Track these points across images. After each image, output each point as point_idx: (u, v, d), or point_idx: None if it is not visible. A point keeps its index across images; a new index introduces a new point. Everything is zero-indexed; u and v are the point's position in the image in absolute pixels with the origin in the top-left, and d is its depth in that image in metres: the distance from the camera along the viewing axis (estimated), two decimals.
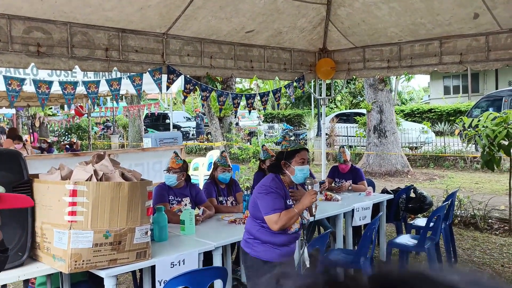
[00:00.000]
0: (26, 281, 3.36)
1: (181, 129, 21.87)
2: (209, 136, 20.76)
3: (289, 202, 2.85)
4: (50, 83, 4.11)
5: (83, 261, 2.60)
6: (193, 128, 23.01)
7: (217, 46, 5.35)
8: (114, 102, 12.57)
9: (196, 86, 5.16)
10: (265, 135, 18.69)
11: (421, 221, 5.09)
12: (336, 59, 6.41)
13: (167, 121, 24.09)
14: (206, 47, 5.23)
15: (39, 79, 4.13)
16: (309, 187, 2.85)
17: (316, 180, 2.89)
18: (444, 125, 19.72)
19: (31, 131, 14.74)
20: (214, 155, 8.53)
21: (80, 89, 7.75)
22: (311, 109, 26.37)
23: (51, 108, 14.70)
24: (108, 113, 12.94)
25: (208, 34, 5.15)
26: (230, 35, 5.30)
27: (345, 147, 5.39)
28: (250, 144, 14.12)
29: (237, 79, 16.60)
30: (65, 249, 2.56)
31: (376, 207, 4.77)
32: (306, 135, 17.12)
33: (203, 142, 19.18)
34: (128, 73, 4.74)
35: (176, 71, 4.94)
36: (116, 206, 2.69)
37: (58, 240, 2.61)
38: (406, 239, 4.35)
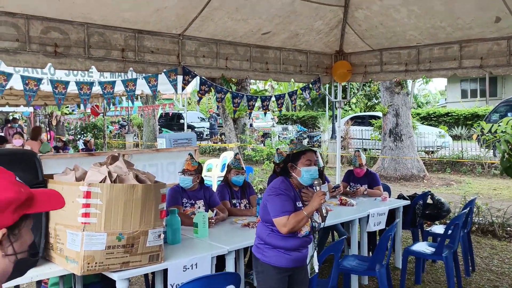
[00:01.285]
0: (39, 281, 3.37)
1: (195, 129, 21.95)
2: (222, 136, 20.78)
3: (299, 204, 2.79)
4: (66, 83, 4.13)
5: (95, 263, 2.59)
6: (207, 128, 23.07)
7: (232, 48, 5.32)
8: (130, 102, 12.67)
9: (211, 87, 5.14)
10: (279, 136, 18.63)
11: (438, 228, 4.98)
12: (353, 62, 6.34)
13: (181, 121, 24.22)
14: (221, 48, 5.21)
15: (56, 79, 4.16)
16: (317, 188, 2.79)
17: (320, 182, 2.82)
18: (461, 129, 19.42)
19: (48, 129, 14.93)
20: (228, 156, 8.51)
21: (96, 89, 7.84)
22: (325, 111, 26.26)
23: (68, 106, 14.86)
24: (124, 112, 13.05)
25: (224, 36, 5.13)
26: (246, 36, 5.27)
27: (360, 151, 5.31)
28: (264, 145, 14.09)
29: (252, 80, 16.58)
30: (78, 251, 2.55)
31: (391, 213, 4.69)
32: (320, 137, 17.02)
33: (216, 142, 19.20)
34: (144, 74, 4.74)
35: (192, 72, 4.93)
36: (130, 209, 2.68)
37: (71, 241, 2.60)
38: (423, 247, 4.26)
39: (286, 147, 12.77)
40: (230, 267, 3.29)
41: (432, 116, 23.29)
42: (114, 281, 2.76)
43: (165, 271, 3.68)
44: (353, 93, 27.75)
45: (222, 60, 5.25)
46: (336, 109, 6.80)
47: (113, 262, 2.65)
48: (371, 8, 5.16)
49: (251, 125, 18.56)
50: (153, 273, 3.67)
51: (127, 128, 23.93)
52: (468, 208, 4.42)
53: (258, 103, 6.12)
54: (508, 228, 6.12)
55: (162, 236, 2.87)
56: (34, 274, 2.60)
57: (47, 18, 3.93)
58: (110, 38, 4.38)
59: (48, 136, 13.86)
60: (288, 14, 5.07)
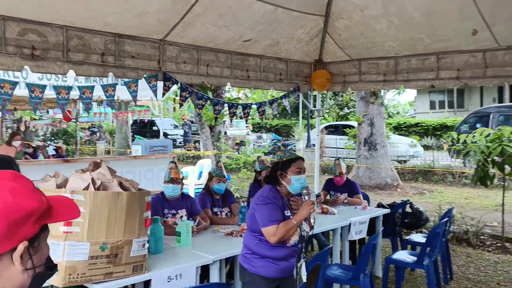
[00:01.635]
0: None
1: (168, 136, 21.66)
2: (196, 144, 20.60)
3: (287, 213, 2.76)
4: (43, 87, 3.98)
5: (77, 274, 2.47)
6: (181, 136, 22.83)
7: (213, 54, 5.28)
8: (102, 108, 12.37)
9: (192, 94, 5.07)
10: (253, 145, 18.62)
11: (416, 237, 5.05)
12: (332, 71, 6.40)
13: (155, 128, 23.87)
14: (202, 54, 5.16)
15: (32, 82, 3.99)
16: (306, 197, 2.78)
17: (311, 191, 2.81)
18: (431, 139, 19.95)
19: None
20: (205, 164, 8.42)
21: (72, 93, 7.63)
22: (299, 120, 26.48)
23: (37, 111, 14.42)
24: (96, 118, 12.72)
25: (206, 42, 5.08)
26: (228, 43, 5.24)
27: (340, 159, 5.34)
28: (239, 153, 14.02)
29: (226, 88, 16.54)
30: (60, 262, 2.43)
31: (370, 221, 4.72)
32: (295, 146, 17.10)
33: (190, 150, 19.01)
34: (124, 79, 4.63)
35: (172, 78, 4.85)
36: (114, 217, 2.58)
37: (53, 251, 2.47)
38: (404, 255, 4.30)
39: (263, 155, 12.77)
40: (214, 277, 3.22)
41: (402, 126, 23.81)
42: None
43: (145, 283, 3.58)
44: (327, 103, 28.10)
45: (203, 67, 5.19)
46: (315, 117, 6.83)
47: (95, 273, 2.54)
48: (352, 18, 5.23)
49: (225, 133, 18.48)
50: (133, 285, 3.56)
51: (98, 135, 23.41)
52: (447, 218, 4.50)
53: (239, 111, 6.06)
54: (482, 237, 6.27)
55: (147, 245, 2.78)
56: None
57: (25, 20, 3.78)
58: (90, 41, 4.26)
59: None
60: (270, 22, 5.07)
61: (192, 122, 23.25)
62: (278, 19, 5.06)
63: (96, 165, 2.85)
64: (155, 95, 4.81)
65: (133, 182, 2.94)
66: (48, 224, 0.90)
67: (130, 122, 19.01)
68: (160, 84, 4.83)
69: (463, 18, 4.59)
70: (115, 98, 7.79)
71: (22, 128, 15.06)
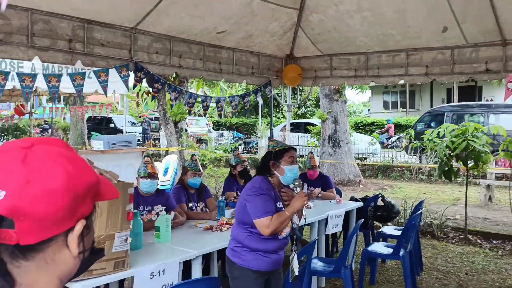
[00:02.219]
0: None
1: (126, 134, 20.99)
2: (156, 142, 20.12)
3: (279, 205, 2.69)
4: (6, 74, 3.69)
5: None
6: (139, 133, 22.22)
7: (186, 45, 5.13)
8: (57, 103, 11.76)
9: (164, 86, 4.88)
10: (215, 142, 18.44)
11: (388, 230, 5.13)
12: (303, 66, 6.39)
13: (111, 125, 23.09)
14: (175, 45, 5.00)
15: None
16: (298, 189, 2.73)
17: (301, 183, 2.76)
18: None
19: None
20: (171, 160, 8.20)
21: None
22: (258, 118, 26.53)
23: None
24: (52, 114, 12.07)
25: (179, 32, 4.92)
26: (201, 34, 5.10)
27: (313, 152, 5.33)
28: (202, 150, 13.82)
29: (189, 83, 16.18)
30: None
31: (345, 215, 4.74)
32: (256, 143, 17.09)
33: (149, 147, 18.53)
34: (93, 68, 4.39)
35: (144, 68, 4.66)
36: (95, 210, 2.40)
37: None
38: (379, 247, 4.34)
39: (227, 153, 12.64)
40: (197, 273, 3.09)
41: (359, 125, 24.38)
42: None
43: (120, 282, 3.39)
44: (285, 100, 28.31)
45: (175, 58, 5.03)
46: (278, 115, 6.80)
47: None
48: (326, 12, 5.23)
49: (186, 130, 18.17)
50: (106, 285, 3.36)
51: (50, 132, 22.37)
52: (421, 209, 4.59)
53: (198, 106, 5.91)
54: (445, 229, 6.47)
55: (129, 240, 2.61)
56: None
57: None
58: (56, 27, 4.00)
59: None
60: (245, 13, 4.99)
61: (151, 119, 22.73)
62: (254, 11, 4.98)
63: None
64: (126, 86, 4.61)
65: (113, 173, 2.76)
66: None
67: (86, 118, 18.28)
68: (132, 76, 4.63)
69: (435, 15, 4.70)
70: (72, 91, 7.45)
71: None
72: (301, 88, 7.76)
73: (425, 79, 5.44)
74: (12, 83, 7.06)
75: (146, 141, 19.79)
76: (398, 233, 4.87)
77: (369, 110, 35.29)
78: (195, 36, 5.10)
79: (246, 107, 6.05)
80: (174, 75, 6.30)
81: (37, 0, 3.79)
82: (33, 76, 3.89)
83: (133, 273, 2.65)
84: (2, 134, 15.51)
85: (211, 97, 5.63)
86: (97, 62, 4.34)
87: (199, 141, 18.03)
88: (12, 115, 10.40)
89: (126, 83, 4.52)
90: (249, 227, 2.64)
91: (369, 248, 4.27)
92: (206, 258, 3.99)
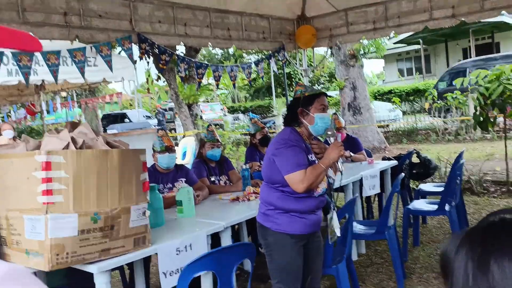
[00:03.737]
0: None
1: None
2: (172, 132, 19.91)
3: (311, 157, 2.35)
4: (1, 54, 3.40)
5: (67, 253, 1.99)
6: (154, 126, 22.06)
7: (191, 12, 4.76)
8: (67, 109, 11.44)
9: (172, 57, 4.54)
10: (231, 125, 18.13)
11: (426, 187, 4.75)
12: (317, 26, 5.97)
13: (126, 120, 22.97)
14: (178, 12, 4.64)
15: None
16: (331, 139, 2.38)
17: (334, 132, 2.41)
18: (405, 104, 19.94)
19: None
20: (188, 143, 7.93)
21: (32, 79, 6.92)
22: (272, 99, 26.10)
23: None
24: (63, 112, 11.90)
25: None
26: None
27: (337, 113, 4.95)
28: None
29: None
30: (42, 240, 1.95)
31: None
32: (274, 123, 16.72)
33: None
34: (93, 44, 4.07)
35: (148, 39, 4.32)
36: (105, 181, 2.10)
37: (31, 229, 1.99)
38: (422, 205, 3.98)
39: (243, 136, 12.29)
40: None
41: (376, 94, 23.76)
42: (87, 280, 2.18)
43: (145, 260, 3.12)
44: (298, 79, 27.75)
45: (180, 26, 4.68)
46: (303, 76, 6.41)
47: (89, 251, 2.07)
48: None
49: (201, 117, 17.89)
50: (129, 264, 3.10)
51: None
52: (462, 161, 4.20)
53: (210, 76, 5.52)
54: (485, 184, 6.05)
55: (148, 213, 2.31)
56: None
57: None
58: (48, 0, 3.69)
59: None
60: None
61: (165, 110, 22.50)
62: None
63: (74, 125, 2.35)
64: (131, 59, 4.28)
65: (122, 142, 2.46)
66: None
67: (100, 116, 18.15)
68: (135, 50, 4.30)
69: None
70: (82, 81, 7.18)
71: None
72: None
73: (452, 21, 4.96)
74: (17, 77, 6.88)
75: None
76: (438, 189, 4.50)
77: (383, 80, 34.52)
78: (199, 1, 4.74)
79: (260, 75, 5.67)
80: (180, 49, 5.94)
81: None
82: (30, 55, 3.58)
83: (156, 250, 2.35)
84: (18, 137, 15.47)
85: (223, 66, 5.26)
86: (97, 36, 4.02)
87: (215, 126, 17.74)
88: (25, 116, 10.22)
89: (130, 56, 4.19)
90: (280, 186, 2.31)
91: (411, 207, 3.91)
92: (235, 235, 3.70)
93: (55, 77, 3.71)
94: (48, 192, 1.97)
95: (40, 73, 6.51)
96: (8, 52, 3.62)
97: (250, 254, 2.02)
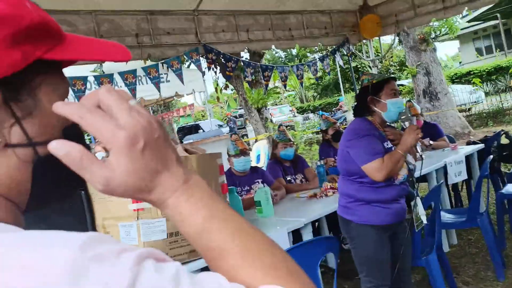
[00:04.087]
0: None
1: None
2: (244, 137, 20.30)
3: (387, 145, 2.28)
4: (85, 79, 3.70)
5: None
6: (227, 133, 22.68)
7: (251, 18, 4.85)
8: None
9: (237, 63, 4.65)
10: (301, 125, 18.08)
11: None
12: (381, 14, 5.78)
13: (200, 131, 23.84)
14: (240, 20, 4.75)
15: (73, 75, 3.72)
16: (406, 123, 2.28)
17: (409, 115, 2.29)
18: (487, 85, 18.56)
19: None
20: (261, 146, 8.04)
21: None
22: (341, 95, 25.63)
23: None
24: None
25: (241, 4, 4.66)
26: (264, 2, 4.79)
27: (412, 100, 4.74)
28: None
29: None
30: (137, 244, 2.09)
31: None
32: (345, 118, 16.39)
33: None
34: (164, 60, 4.29)
35: (214, 49, 4.47)
36: None
37: (126, 235, 2.14)
38: None
39: (314, 135, 12.18)
40: None
41: (453, 77, 22.41)
42: None
43: None
44: (367, 56, 26.96)
45: (243, 33, 4.79)
46: (371, 68, 6.24)
47: (179, 252, 2.17)
48: None
49: (271, 120, 18.06)
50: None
51: None
52: None
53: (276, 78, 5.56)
54: None
55: None
56: None
57: (49, 10, 3.52)
58: (121, 23, 3.96)
59: None
60: None
61: (235, 117, 23.02)
62: None
63: None
64: (200, 70, 4.46)
65: (199, 148, 2.56)
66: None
67: (176, 128, 19.02)
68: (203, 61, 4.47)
69: None
70: (156, 96, 7.58)
71: None
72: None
73: None
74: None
75: None
76: None
77: (460, 62, 32.48)
78: (259, 6, 4.81)
79: (327, 71, 5.61)
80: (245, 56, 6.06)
81: (98, 1, 3.77)
82: (110, 77, 3.86)
83: None
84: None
85: (288, 66, 5.28)
86: (167, 52, 4.25)
87: (286, 127, 17.80)
88: None
89: (199, 67, 4.37)
90: (357, 177, 2.26)
91: (504, 191, 3.63)
92: (316, 232, 3.68)
93: (134, 95, 3.96)
94: (137, 200, 2.10)
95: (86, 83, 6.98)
96: (91, 76, 3.94)
97: (334, 248, 2.00)
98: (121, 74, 3.91)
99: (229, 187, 2.82)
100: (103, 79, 3.84)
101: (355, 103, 2.45)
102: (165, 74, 7.45)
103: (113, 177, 0.43)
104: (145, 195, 0.46)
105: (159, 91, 4.13)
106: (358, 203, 2.28)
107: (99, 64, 6.77)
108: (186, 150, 2.42)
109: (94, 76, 3.90)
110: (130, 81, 3.96)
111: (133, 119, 0.43)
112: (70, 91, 3.70)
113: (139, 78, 6.21)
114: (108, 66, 6.25)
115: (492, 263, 3.08)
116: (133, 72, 3.96)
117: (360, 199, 2.27)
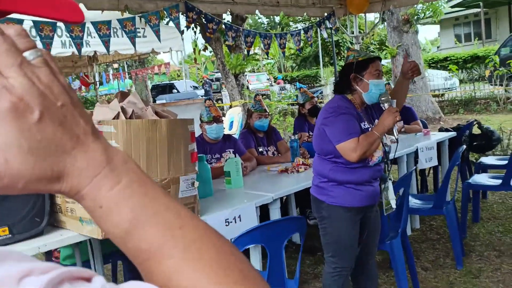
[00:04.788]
0: (48, 254, 2.82)
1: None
2: (219, 102, 20.05)
3: (364, 125, 2.22)
4: (54, 25, 3.44)
5: None
6: (202, 96, 22.30)
7: None
8: (119, 80, 11.69)
9: (219, 26, 4.45)
10: (278, 95, 17.97)
11: (488, 160, 4.46)
12: None
13: (174, 91, 23.36)
14: None
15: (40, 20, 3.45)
16: (386, 105, 2.22)
17: (389, 97, 2.23)
18: (462, 72, 18.83)
19: None
20: (235, 113, 7.91)
21: (85, 50, 7.08)
22: (319, 69, 25.51)
23: None
24: (115, 84, 12.26)
25: None
26: None
27: (390, 82, 4.70)
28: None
29: None
30: None
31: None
32: (321, 92, 16.37)
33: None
34: (142, 13, 4.05)
35: (195, 8, 4.24)
36: (154, 151, 2.08)
37: None
38: (483, 179, 3.74)
39: (290, 106, 12.10)
40: (276, 218, 2.73)
41: (431, 62, 22.62)
42: None
43: None
44: (347, 47, 26.80)
45: None
46: (352, 44, 6.13)
47: None
48: None
49: (247, 87, 17.86)
50: None
51: None
52: None
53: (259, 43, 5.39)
54: None
55: (196, 184, 2.29)
56: (41, 243, 2.03)
57: None
58: None
59: None
60: None
61: (212, 80, 22.62)
62: None
63: (124, 95, 2.34)
64: (178, 29, 4.24)
65: (171, 112, 2.43)
66: None
67: (150, 86, 18.53)
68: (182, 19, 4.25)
69: None
70: (132, 52, 7.28)
71: None
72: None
73: None
74: (71, 49, 7.08)
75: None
76: (502, 162, 4.21)
77: (438, 47, 32.77)
78: None
79: (309, 42, 5.47)
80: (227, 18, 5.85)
81: None
82: (82, 26, 3.61)
83: (206, 220, 2.32)
84: None
85: (271, 34, 5.11)
86: (145, 5, 3.99)
87: (262, 96, 17.65)
88: (80, 87, 10.59)
89: (177, 26, 4.14)
90: (332, 157, 2.20)
91: (471, 181, 3.68)
92: (283, 207, 3.65)
93: (107, 48, 3.74)
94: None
95: (92, 44, 6.64)
96: (61, 23, 3.67)
97: (301, 228, 1.96)
98: (95, 24, 3.66)
99: (199, 155, 2.71)
100: (74, 27, 3.58)
101: (337, 79, 2.35)
102: (142, 29, 7.11)
103: None
104: (52, 185, 0.35)
105: (134, 46, 3.91)
106: (331, 184, 2.23)
107: None
108: (156, 113, 2.29)
109: (64, 24, 3.63)
110: (104, 33, 3.73)
111: (25, 79, 0.32)
112: (37, 37, 3.44)
113: (114, 30, 5.90)
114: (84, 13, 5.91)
115: (452, 251, 3.14)
116: (108, 23, 3.72)
117: (333, 179, 2.21)
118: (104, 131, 1.97)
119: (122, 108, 2.12)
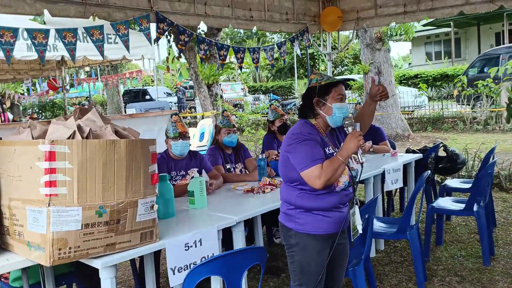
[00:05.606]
0: None
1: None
2: (192, 110, 19.89)
3: (328, 150, 2.18)
4: (15, 31, 3.30)
5: (69, 248, 1.90)
6: (175, 103, 22.05)
7: None
8: (91, 83, 11.40)
9: (191, 38, 4.38)
10: (251, 106, 17.96)
11: (452, 183, 4.53)
12: (343, 8, 5.70)
13: (147, 97, 23.05)
14: None
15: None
16: (349, 128, 2.18)
17: (352, 121, 2.20)
18: (431, 90, 19.31)
19: (1, 111, 13.63)
20: (206, 124, 7.82)
21: (52, 55, 6.86)
22: (294, 80, 25.71)
23: (22, 85, 13.60)
24: (86, 89, 11.95)
25: None
26: None
27: (361, 103, 4.73)
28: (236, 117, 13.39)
29: None
30: (44, 234, 1.86)
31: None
32: (294, 105, 16.46)
33: (185, 117, 18.33)
34: (110, 22, 3.94)
35: (167, 19, 4.17)
36: (111, 173, 1.99)
37: (33, 221, 1.90)
38: (447, 203, 3.78)
39: (265, 115, 12.08)
40: (239, 242, 2.66)
41: (402, 78, 23.14)
42: (94, 269, 2.09)
43: (156, 253, 3.04)
44: (321, 60, 27.14)
45: (200, 6, 4.51)
46: (327, 60, 6.17)
47: (93, 245, 1.97)
48: None
49: (221, 96, 17.79)
50: (140, 256, 3.04)
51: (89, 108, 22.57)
52: (494, 158, 3.96)
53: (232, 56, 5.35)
54: None
55: (156, 207, 2.20)
56: None
57: None
58: None
59: (2, 118, 12.62)
60: None
61: (185, 88, 22.44)
62: None
63: (83, 112, 2.23)
64: (148, 39, 4.14)
65: (132, 130, 2.33)
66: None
67: (122, 91, 18.22)
68: (153, 27, 4.16)
69: None
70: (102, 59, 7.10)
71: (8, 104, 14.30)
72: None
73: (490, 6, 4.64)
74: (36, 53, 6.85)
75: (182, 110, 19.61)
76: (466, 186, 4.27)
77: (409, 64, 33.58)
78: None
79: (283, 58, 5.46)
80: (202, 27, 5.75)
81: None
82: (45, 32, 3.47)
83: (164, 244, 2.25)
84: (40, 111, 15.63)
85: (245, 48, 5.07)
86: (114, 14, 3.89)
87: (236, 106, 17.60)
88: (47, 90, 10.26)
89: (148, 36, 4.05)
90: (298, 184, 2.16)
91: (435, 204, 3.72)
92: (249, 225, 3.59)
93: (72, 56, 3.61)
94: (51, 184, 1.87)
95: (60, 49, 6.44)
96: (23, 28, 3.52)
97: (261, 259, 1.89)
98: (59, 31, 3.53)
99: (162, 175, 2.62)
100: (37, 33, 3.44)
101: (301, 103, 2.32)
102: (113, 35, 6.96)
103: None
104: None
105: (102, 55, 3.79)
106: (298, 211, 2.17)
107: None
108: (116, 132, 2.19)
109: (27, 30, 3.47)
110: (69, 40, 3.60)
111: None
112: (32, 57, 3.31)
113: (84, 35, 5.73)
114: (49, 17, 5.71)
115: (415, 275, 3.14)
116: (74, 31, 3.59)
117: (300, 206, 2.17)
118: (58, 151, 1.87)
119: (79, 127, 2.02)
